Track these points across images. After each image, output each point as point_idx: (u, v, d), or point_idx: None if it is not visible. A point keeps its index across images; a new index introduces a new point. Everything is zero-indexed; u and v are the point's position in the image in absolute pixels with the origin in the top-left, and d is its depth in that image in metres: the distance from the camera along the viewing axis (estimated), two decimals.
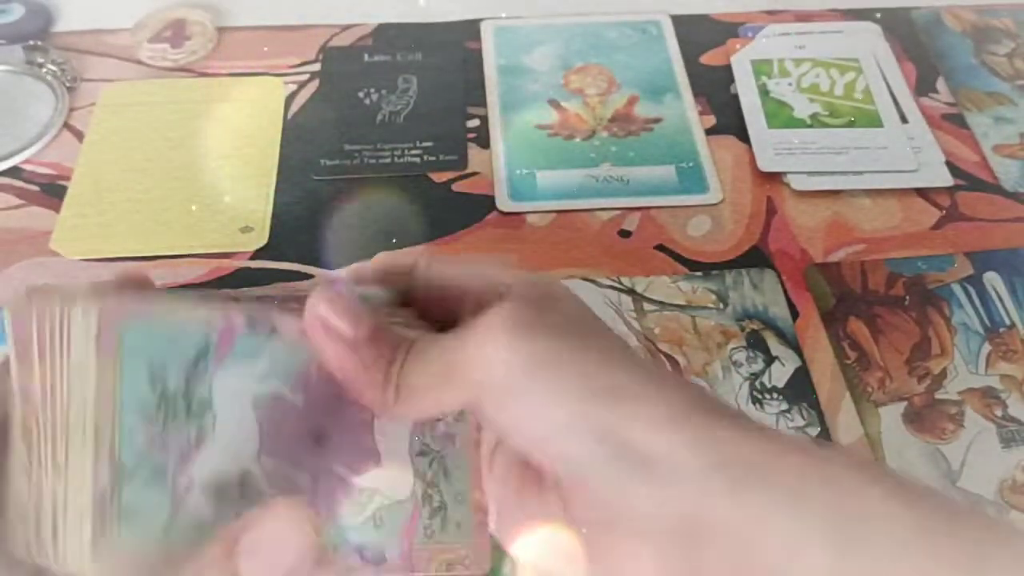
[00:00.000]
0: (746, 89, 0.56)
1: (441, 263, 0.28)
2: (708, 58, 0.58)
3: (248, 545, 0.23)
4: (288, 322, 0.24)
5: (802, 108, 0.54)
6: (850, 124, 0.54)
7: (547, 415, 0.23)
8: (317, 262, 0.46)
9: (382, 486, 0.27)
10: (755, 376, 0.43)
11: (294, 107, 0.55)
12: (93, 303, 0.21)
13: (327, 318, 0.24)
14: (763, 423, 0.24)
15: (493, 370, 0.23)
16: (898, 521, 0.21)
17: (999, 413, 0.42)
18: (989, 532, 0.22)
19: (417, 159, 0.52)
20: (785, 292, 0.46)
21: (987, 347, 0.44)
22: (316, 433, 0.25)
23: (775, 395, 0.42)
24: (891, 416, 0.42)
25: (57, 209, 0.49)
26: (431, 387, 0.24)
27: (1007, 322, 0.45)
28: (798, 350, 0.44)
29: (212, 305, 0.23)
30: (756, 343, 0.44)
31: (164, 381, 0.22)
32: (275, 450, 0.24)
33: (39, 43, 0.57)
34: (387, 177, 0.51)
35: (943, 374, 0.43)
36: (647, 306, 0.45)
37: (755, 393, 0.42)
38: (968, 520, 0.22)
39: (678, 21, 0.60)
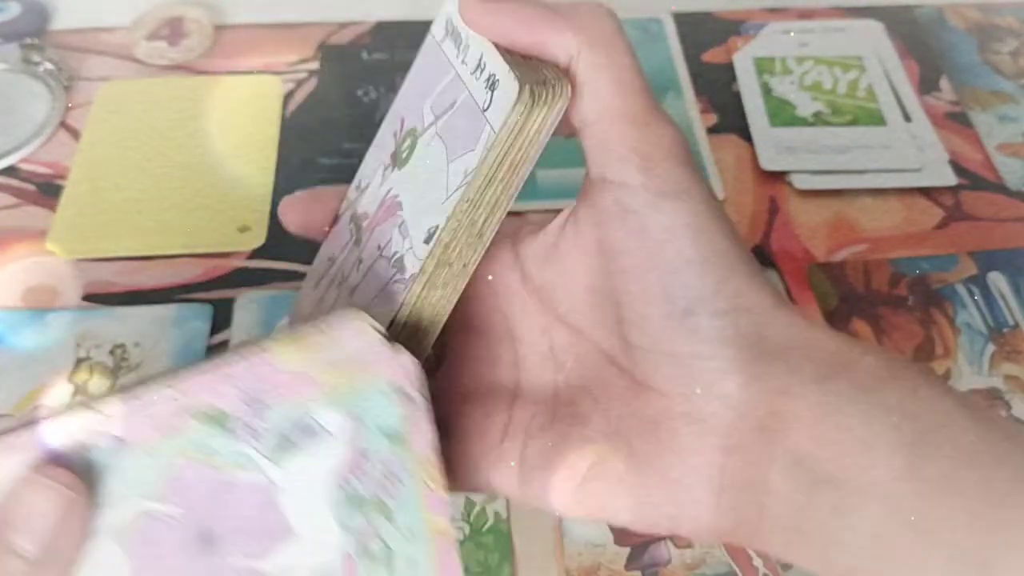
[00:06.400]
0: (748, 87, 0.55)
1: None
2: (710, 56, 0.58)
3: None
4: (134, 425, 0.21)
5: (805, 106, 0.54)
6: (853, 123, 0.53)
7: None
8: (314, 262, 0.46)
9: (301, 559, 0.23)
10: None
11: (292, 105, 0.54)
12: None
13: None
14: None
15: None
16: (965, 432, 0.22)
17: (1003, 414, 0.41)
18: None
19: None
20: (788, 292, 0.46)
21: (991, 348, 0.44)
22: (203, 536, 0.22)
23: None
24: None
25: (53, 208, 0.49)
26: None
27: (1011, 322, 0.45)
28: None
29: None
30: None
31: None
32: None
33: (35, 41, 0.56)
34: None
35: (947, 375, 0.43)
36: None
37: None
38: None
39: (679, 19, 0.60)
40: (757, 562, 0.37)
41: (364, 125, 0.54)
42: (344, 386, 0.22)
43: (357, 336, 0.22)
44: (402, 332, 0.25)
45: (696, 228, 0.24)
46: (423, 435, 0.23)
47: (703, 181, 0.25)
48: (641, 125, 0.25)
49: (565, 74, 0.25)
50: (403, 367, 0.22)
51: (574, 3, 0.25)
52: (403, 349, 0.23)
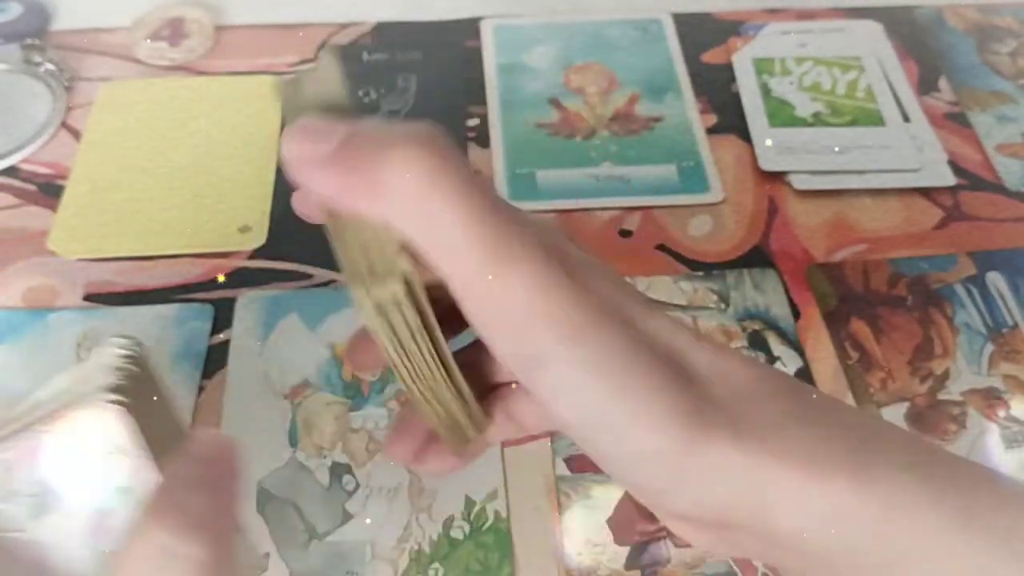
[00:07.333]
0: (747, 88, 0.55)
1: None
2: (709, 57, 0.58)
3: None
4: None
5: (804, 107, 0.54)
6: (852, 123, 0.53)
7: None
8: (315, 262, 0.46)
9: None
10: None
11: None
12: None
13: (301, 151, 0.23)
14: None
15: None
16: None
17: (1002, 414, 0.41)
18: None
19: None
20: (787, 292, 0.46)
21: (990, 347, 0.44)
22: None
23: None
24: (893, 417, 0.41)
25: (54, 208, 0.49)
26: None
27: (1010, 322, 0.45)
28: (800, 350, 0.44)
29: None
30: (758, 343, 0.44)
31: None
32: None
33: (36, 42, 0.56)
34: None
35: (945, 374, 0.43)
36: None
37: None
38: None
39: (679, 19, 0.60)
40: (758, 562, 0.37)
41: None
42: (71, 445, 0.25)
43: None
44: None
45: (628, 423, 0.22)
46: (145, 482, 0.25)
47: (605, 333, 0.22)
48: (517, 301, 0.21)
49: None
50: (117, 424, 0.24)
51: (391, 142, 0.21)
52: (112, 407, 0.24)
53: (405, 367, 0.23)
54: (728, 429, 0.22)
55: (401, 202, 0.21)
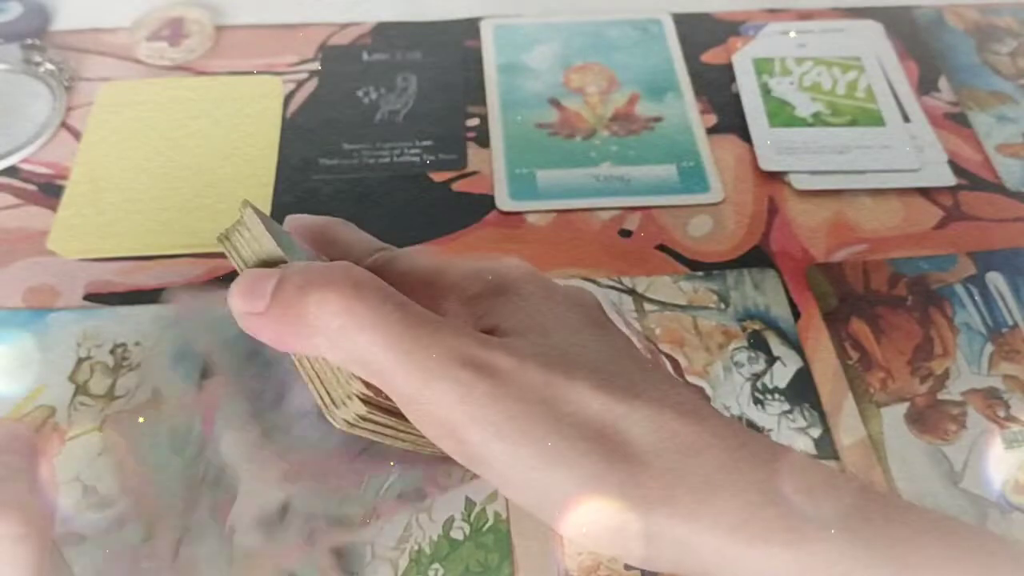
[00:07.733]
0: (747, 88, 0.55)
1: (410, 257, 0.29)
2: (709, 57, 0.58)
3: None
4: None
5: (804, 107, 0.54)
6: (852, 123, 0.53)
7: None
8: None
9: None
10: (756, 377, 0.43)
11: (292, 106, 0.55)
12: None
13: (242, 308, 0.26)
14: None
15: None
16: None
17: (1002, 414, 0.41)
18: None
19: (416, 158, 0.52)
20: (787, 292, 0.46)
21: (990, 347, 0.44)
22: None
23: (776, 396, 0.42)
24: (893, 417, 0.41)
25: (54, 209, 0.49)
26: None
27: (1010, 322, 0.45)
28: (800, 350, 0.44)
29: None
30: (757, 343, 0.44)
31: None
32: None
33: (36, 42, 0.56)
34: (386, 176, 0.51)
35: (945, 374, 0.43)
36: (648, 306, 0.45)
37: (756, 394, 0.42)
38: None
39: (679, 19, 0.60)
40: None
41: (364, 125, 0.54)
42: None
43: None
44: None
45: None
46: None
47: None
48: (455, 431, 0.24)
49: None
50: None
51: (308, 287, 0.25)
52: None
53: (391, 438, 0.27)
54: (662, 502, 0.23)
55: (326, 339, 0.24)
